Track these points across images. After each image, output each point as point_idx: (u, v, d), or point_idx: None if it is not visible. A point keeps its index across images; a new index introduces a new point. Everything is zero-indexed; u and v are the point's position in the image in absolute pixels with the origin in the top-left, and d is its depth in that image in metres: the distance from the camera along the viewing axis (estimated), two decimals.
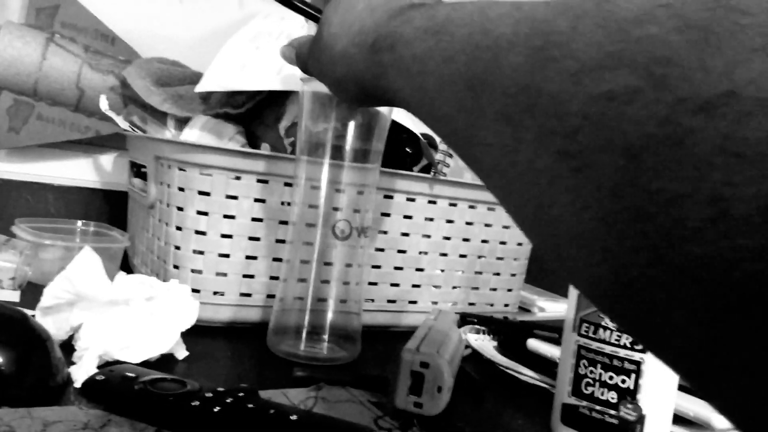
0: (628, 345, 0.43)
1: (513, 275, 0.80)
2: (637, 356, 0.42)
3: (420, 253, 0.72)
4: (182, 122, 0.79)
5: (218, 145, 0.65)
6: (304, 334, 0.59)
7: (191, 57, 0.91)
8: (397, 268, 0.71)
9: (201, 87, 0.73)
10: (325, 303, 0.59)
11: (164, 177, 0.64)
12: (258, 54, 0.74)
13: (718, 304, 0.15)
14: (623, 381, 0.43)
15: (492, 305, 0.79)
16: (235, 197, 0.62)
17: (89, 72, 0.89)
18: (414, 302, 0.73)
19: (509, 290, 0.80)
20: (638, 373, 0.42)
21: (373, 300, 0.71)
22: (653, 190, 0.16)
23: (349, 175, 0.59)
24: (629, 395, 0.43)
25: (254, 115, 0.78)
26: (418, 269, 0.73)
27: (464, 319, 0.72)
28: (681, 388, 0.55)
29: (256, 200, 0.63)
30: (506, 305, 0.80)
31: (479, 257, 0.76)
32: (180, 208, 0.62)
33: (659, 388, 0.43)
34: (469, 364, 0.63)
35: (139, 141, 0.74)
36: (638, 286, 0.17)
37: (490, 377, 0.61)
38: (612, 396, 0.43)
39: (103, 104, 0.82)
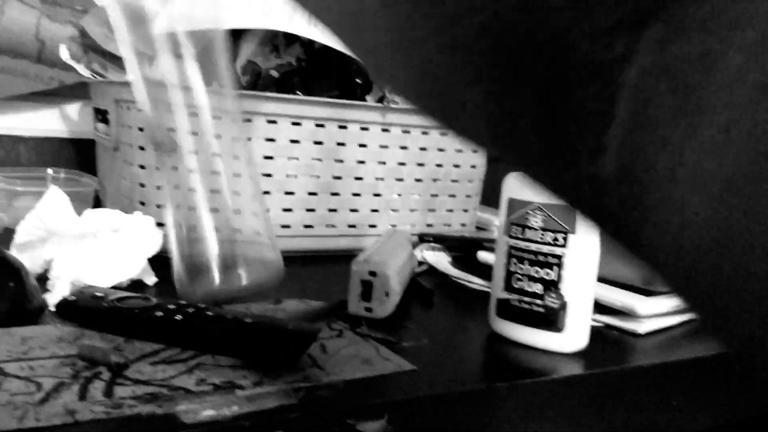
0: (551, 242, 0.47)
1: (468, 196, 0.84)
2: (558, 251, 0.47)
3: (376, 179, 0.76)
4: None
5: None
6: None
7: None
8: (355, 195, 0.75)
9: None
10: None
11: (125, 119, 0.67)
12: None
13: None
14: (547, 274, 0.47)
15: (449, 225, 0.83)
16: (195, 134, 0.65)
17: (48, 23, 0.90)
18: (374, 226, 0.77)
19: (465, 210, 0.84)
20: (560, 265, 0.47)
21: (334, 226, 0.75)
22: None
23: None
24: (553, 286, 0.47)
25: None
26: (375, 195, 0.77)
27: (422, 239, 0.77)
28: (604, 280, 0.60)
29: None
30: (463, 225, 0.84)
31: (434, 180, 0.80)
32: (141, 148, 0.65)
33: (579, 278, 0.47)
34: (424, 278, 0.68)
35: (99, 87, 0.76)
36: None
37: (443, 288, 0.65)
38: (538, 288, 0.48)
39: (64, 54, 0.84)
